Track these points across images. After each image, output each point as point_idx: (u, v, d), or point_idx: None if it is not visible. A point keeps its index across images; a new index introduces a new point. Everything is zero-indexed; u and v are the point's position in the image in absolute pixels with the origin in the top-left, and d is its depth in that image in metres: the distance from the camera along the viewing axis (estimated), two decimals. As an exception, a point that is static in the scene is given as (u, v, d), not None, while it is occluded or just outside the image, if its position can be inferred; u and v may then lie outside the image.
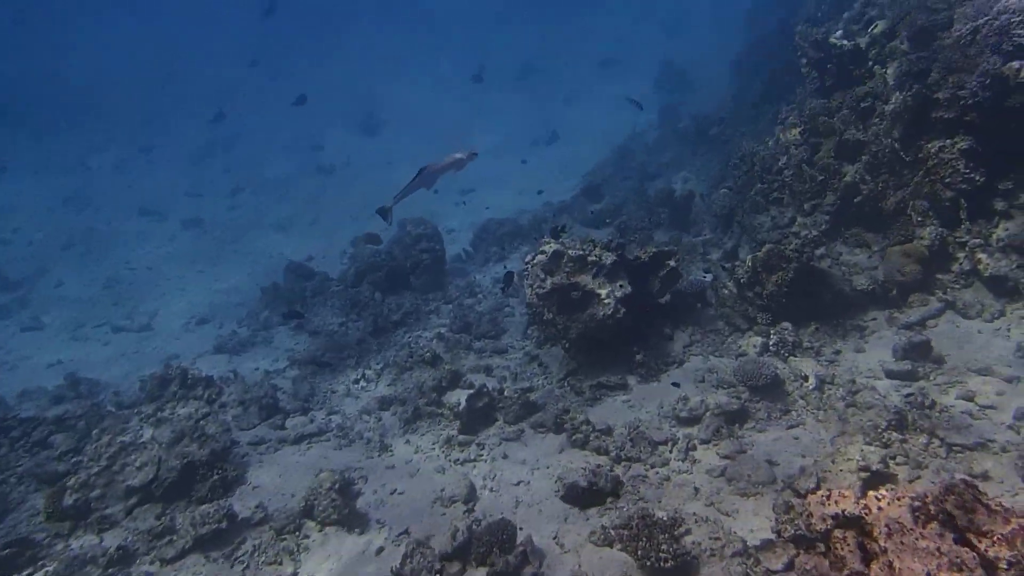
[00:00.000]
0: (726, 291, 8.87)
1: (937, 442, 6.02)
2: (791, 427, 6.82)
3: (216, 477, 7.21)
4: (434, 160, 8.11)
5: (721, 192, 11.67)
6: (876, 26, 9.48)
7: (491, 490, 6.90)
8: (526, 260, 8.94)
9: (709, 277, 9.79)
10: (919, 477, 5.73)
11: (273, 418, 8.78)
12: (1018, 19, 7.07)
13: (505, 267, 12.88)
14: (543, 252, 8.62)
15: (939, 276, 7.71)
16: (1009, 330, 7.03)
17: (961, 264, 7.54)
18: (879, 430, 6.22)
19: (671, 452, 6.89)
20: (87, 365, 11.45)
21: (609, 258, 8.43)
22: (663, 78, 26.78)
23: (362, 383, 9.74)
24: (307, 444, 8.25)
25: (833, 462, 5.98)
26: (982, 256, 7.30)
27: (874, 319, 7.98)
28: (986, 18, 7.24)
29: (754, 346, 7.96)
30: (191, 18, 44.85)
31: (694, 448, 6.86)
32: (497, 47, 36.68)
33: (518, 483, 6.91)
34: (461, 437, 7.82)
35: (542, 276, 8.50)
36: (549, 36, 36.43)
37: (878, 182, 8.49)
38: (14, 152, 24.78)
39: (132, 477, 7.05)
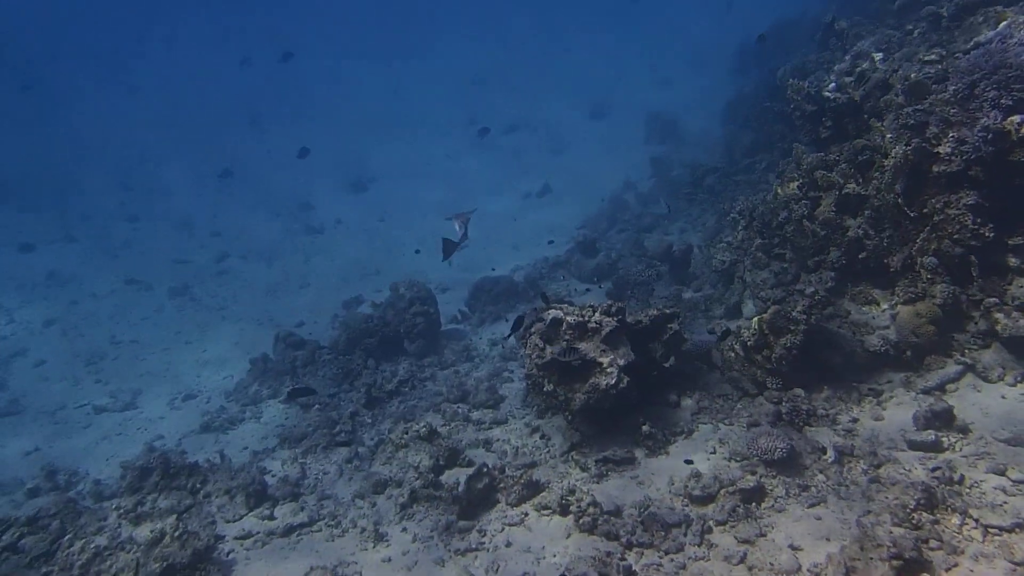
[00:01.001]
0: (732, 354, 8.53)
1: (971, 523, 5.60)
2: (812, 505, 6.39)
3: (199, 581, 6.72)
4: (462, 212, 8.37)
5: (720, 247, 11.43)
6: (869, 79, 9.39)
7: (494, 584, 6.43)
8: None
9: (714, 337, 9.45)
10: (956, 565, 5.30)
11: (261, 506, 8.28)
12: (1015, 74, 6.94)
13: (508, 322, 12.52)
14: (541, 320, 8.30)
15: (955, 336, 7.37)
16: (1034, 394, 6.67)
17: (977, 324, 7.21)
18: (908, 510, 5.79)
19: (686, 536, 6.44)
20: (67, 451, 10.93)
21: (609, 324, 8.09)
22: (653, 127, 26.87)
23: (355, 462, 9.27)
24: (297, 536, 7.74)
25: (862, 548, 5.54)
26: (999, 316, 6.97)
27: (889, 382, 7.61)
28: (983, 72, 7.10)
29: (766, 414, 7.57)
30: (182, 87, 45.42)
31: (710, 531, 6.42)
32: (481, 104, 36.96)
33: (523, 575, 6.45)
34: (461, 523, 7.34)
35: (541, 345, 8.17)
36: (531, 91, 36.69)
37: (882, 237, 8.25)
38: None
39: (107, 586, 6.55)
